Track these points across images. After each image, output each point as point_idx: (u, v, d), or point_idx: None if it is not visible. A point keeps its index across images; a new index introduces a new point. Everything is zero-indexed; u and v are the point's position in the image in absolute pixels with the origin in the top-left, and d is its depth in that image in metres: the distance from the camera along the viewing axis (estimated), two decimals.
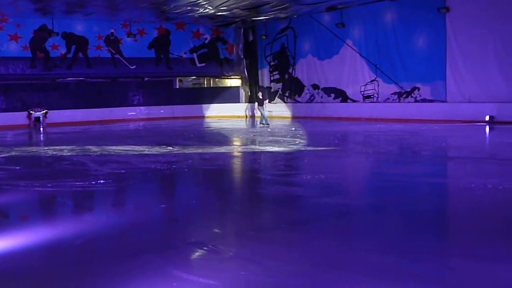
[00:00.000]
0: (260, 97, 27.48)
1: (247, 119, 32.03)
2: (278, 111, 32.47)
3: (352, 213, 7.96)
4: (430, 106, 24.99)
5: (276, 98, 33.81)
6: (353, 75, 28.63)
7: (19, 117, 29.72)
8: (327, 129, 23.17)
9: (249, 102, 35.35)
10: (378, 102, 27.50)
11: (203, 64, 35.56)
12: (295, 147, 16.61)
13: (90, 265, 5.71)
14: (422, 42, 25.15)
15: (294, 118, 30.28)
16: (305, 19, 30.86)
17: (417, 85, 25.51)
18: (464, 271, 5.19)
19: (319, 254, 5.77)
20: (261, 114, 26.97)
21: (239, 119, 32.11)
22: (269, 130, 23.58)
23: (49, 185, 10.76)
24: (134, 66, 33.56)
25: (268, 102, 29.38)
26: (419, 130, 21.13)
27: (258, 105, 27.52)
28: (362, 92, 28.22)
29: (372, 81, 27.68)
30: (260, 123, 26.56)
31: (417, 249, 5.85)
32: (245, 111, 34.26)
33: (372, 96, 27.80)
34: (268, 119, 26.84)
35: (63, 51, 31.77)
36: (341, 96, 29.48)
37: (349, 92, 29.03)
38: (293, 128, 23.69)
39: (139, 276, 5.19)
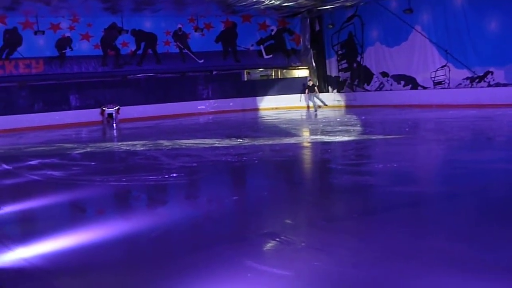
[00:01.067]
0: (310, 85, 30.42)
1: (311, 109, 31.99)
2: (347, 100, 32.20)
3: (425, 202, 7.82)
4: (504, 90, 24.20)
5: (345, 87, 33.52)
6: (423, 61, 28.03)
7: (92, 114, 30.49)
8: (397, 117, 22.81)
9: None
10: (449, 88, 26.84)
11: (270, 56, 35.57)
12: (365, 136, 16.43)
13: (165, 257, 5.80)
14: (494, 24, 24.37)
15: (364, 106, 29.91)
16: (372, 6, 30.40)
17: (490, 69, 24.77)
18: None
19: (390, 243, 5.70)
20: (313, 102, 30.07)
21: (302, 110, 31.95)
22: (338, 119, 23.41)
23: (124, 179, 10.99)
24: (202, 60, 33.88)
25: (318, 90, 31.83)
26: (493, 115, 20.53)
27: (310, 92, 30.57)
28: (433, 78, 27.61)
29: (442, 66, 27.03)
30: (315, 111, 28.96)
31: (491, 238, 5.69)
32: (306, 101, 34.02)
33: (443, 82, 27.17)
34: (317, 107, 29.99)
35: (133, 48, 32.38)
36: (411, 83, 28.93)
37: (419, 79, 28.45)
38: (363, 117, 23.42)
39: (214, 267, 5.24)
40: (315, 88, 31.00)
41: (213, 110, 33.84)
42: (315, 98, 30.74)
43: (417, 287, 4.56)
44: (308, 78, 32.30)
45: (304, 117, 27.30)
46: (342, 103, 32.60)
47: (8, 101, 29.52)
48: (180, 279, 5.00)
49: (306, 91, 31.80)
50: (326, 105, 29.62)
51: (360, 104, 30.98)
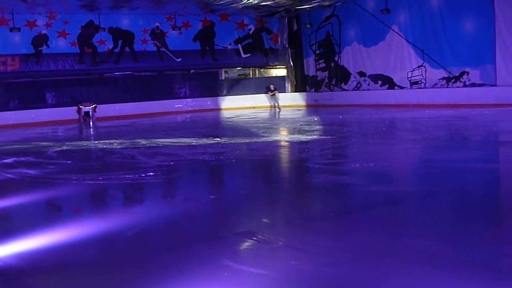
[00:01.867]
0: (272, 88, 32.90)
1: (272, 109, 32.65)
2: (325, 99, 32.34)
3: (402, 201, 7.88)
4: (479, 90, 24.48)
5: (322, 86, 33.66)
6: (400, 61, 28.24)
7: (69, 112, 30.30)
8: (374, 116, 22.96)
9: (294, 92, 35.42)
10: (426, 87, 27.08)
11: (248, 55, 35.60)
12: (342, 135, 16.51)
13: (142, 256, 5.79)
14: (470, 25, 24.63)
15: (341, 106, 30.07)
16: (350, 6, 30.55)
17: (466, 70, 25.04)
18: None
19: (369, 242, 5.73)
20: (274, 102, 32.64)
21: (268, 109, 32.05)
22: (315, 119, 23.50)
23: (100, 178, 10.94)
24: (180, 59, 33.81)
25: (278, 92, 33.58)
26: (469, 115, 20.75)
27: (270, 95, 32.95)
28: (410, 78, 27.84)
29: (419, 66, 27.26)
30: (276, 110, 31.52)
31: (469, 236, 5.76)
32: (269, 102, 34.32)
33: (419, 82, 27.40)
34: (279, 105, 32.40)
35: (110, 46, 32.22)
36: (388, 82, 29.14)
37: (396, 79, 28.66)
38: (340, 116, 23.54)
39: (190, 266, 5.24)
40: (275, 91, 33.04)
41: (190, 109, 33.81)
42: (275, 98, 32.79)
43: (394, 286, 4.60)
44: (271, 83, 33.80)
45: (282, 116, 27.33)
46: (319, 103, 32.71)
47: None
48: (156, 278, 4.99)
49: (269, 93, 33.24)
50: (280, 109, 32.03)
51: (337, 104, 31.14)
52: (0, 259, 5.83)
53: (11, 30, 29.17)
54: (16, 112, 29.59)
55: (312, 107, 32.09)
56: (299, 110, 30.57)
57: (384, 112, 24.85)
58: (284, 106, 32.85)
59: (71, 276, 5.29)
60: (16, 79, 29.94)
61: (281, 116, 27.19)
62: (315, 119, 23.56)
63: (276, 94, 32.82)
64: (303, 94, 34.75)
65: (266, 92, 33.76)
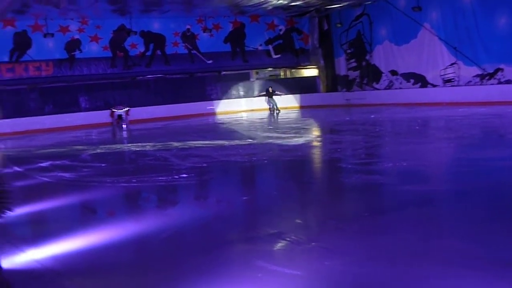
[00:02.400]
0: (271, 90, 32.57)
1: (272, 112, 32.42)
2: (356, 99, 32.16)
3: (435, 201, 7.80)
4: None
5: (354, 86, 33.50)
6: (432, 59, 27.94)
7: (102, 116, 30.58)
8: (407, 115, 22.76)
9: (326, 91, 35.30)
10: (459, 85, 26.73)
11: (279, 56, 35.59)
12: (374, 134, 16.41)
13: (176, 258, 5.82)
14: (503, 21, 24.24)
15: (373, 105, 29.86)
16: (380, 5, 30.35)
17: (501, 66, 24.64)
18: None
19: (402, 242, 5.69)
20: (272, 104, 32.31)
21: (314, 109, 31.91)
22: (347, 119, 23.38)
23: (134, 180, 11.02)
24: (210, 61, 33.93)
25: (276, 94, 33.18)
26: (504, 112, 20.43)
27: (269, 97, 32.53)
28: (442, 76, 27.53)
29: (452, 64, 26.94)
30: (275, 112, 31.51)
31: (503, 236, 5.67)
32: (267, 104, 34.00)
33: (452, 80, 27.07)
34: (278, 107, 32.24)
35: (142, 49, 32.48)
36: (421, 81, 28.86)
37: (428, 77, 28.38)
38: (372, 116, 23.39)
39: (224, 267, 5.26)
40: (274, 93, 32.84)
41: (222, 111, 33.86)
42: (273, 101, 32.61)
43: (427, 286, 4.56)
44: (269, 86, 33.60)
45: (313, 116, 27.25)
46: (351, 102, 32.53)
47: (19, 103, 29.70)
48: (190, 280, 5.01)
49: (267, 96, 33.10)
50: (279, 110, 31.99)
51: (369, 103, 30.90)
52: (37, 261, 5.92)
53: (45, 35, 29.59)
54: (50, 117, 29.98)
55: (343, 107, 31.92)
56: (331, 110, 30.41)
57: (417, 110, 24.60)
58: (316, 107, 32.75)
59: (106, 278, 5.34)
60: (50, 84, 30.38)
61: (312, 116, 27.11)
62: (347, 118, 23.44)
63: (274, 96, 32.66)
64: (335, 93, 34.60)
65: (265, 95, 33.54)
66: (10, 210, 1.29)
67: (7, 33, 29.03)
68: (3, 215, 1.27)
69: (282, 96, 33.61)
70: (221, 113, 33.12)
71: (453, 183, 9.04)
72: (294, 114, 29.28)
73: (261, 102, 34.00)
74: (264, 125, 23.63)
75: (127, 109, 30.40)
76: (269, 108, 32.83)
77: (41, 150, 18.78)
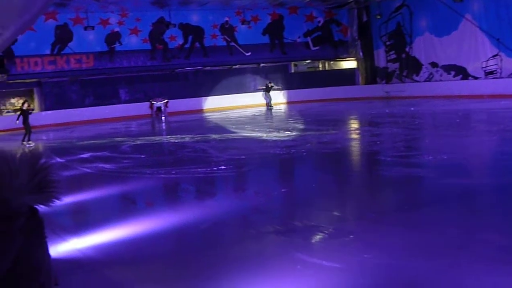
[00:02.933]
0: (269, 86, 32.35)
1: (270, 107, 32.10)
2: (396, 91, 31.83)
3: (477, 194, 7.70)
4: None
5: (393, 78, 33.17)
6: (474, 50, 27.49)
7: (141, 108, 30.86)
8: (447, 107, 22.45)
9: (365, 84, 35.03)
10: (501, 77, 26.26)
11: (317, 48, 35.42)
12: (414, 127, 16.23)
13: (215, 249, 5.85)
14: None
15: (412, 98, 29.50)
16: None
17: None
18: None
19: (442, 236, 5.62)
20: (268, 99, 31.93)
21: (353, 101, 31.67)
22: (386, 111, 23.18)
23: (173, 172, 11.11)
24: (249, 53, 33.93)
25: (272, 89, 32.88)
26: None
27: (266, 92, 32.31)
28: (484, 68, 27.07)
29: (494, 56, 26.47)
30: (269, 108, 31.15)
31: None
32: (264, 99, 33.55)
33: (494, 72, 26.60)
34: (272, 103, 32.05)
35: (181, 41, 32.64)
36: (462, 73, 28.43)
37: (469, 69, 27.94)
38: (412, 108, 23.14)
39: (263, 259, 5.27)
40: (271, 88, 32.64)
41: (260, 103, 33.82)
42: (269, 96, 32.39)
43: (468, 279, 4.50)
44: (268, 81, 33.29)
45: (350, 108, 27.06)
46: (391, 94, 32.22)
47: (60, 95, 30.12)
48: (229, 271, 5.03)
49: (265, 91, 32.79)
50: (272, 106, 31.82)
51: (409, 95, 30.53)
52: (79, 250, 6.02)
53: (85, 28, 29.94)
54: (91, 108, 30.38)
55: (382, 99, 31.63)
56: (370, 102, 30.16)
57: (458, 103, 24.25)
58: (354, 99, 32.50)
59: (145, 268, 5.40)
60: (91, 76, 30.74)
61: (350, 109, 26.94)
62: (386, 111, 23.24)
63: (271, 91, 32.53)
64: (373, 86, 34.31)
65: (264, 90, 33.11)
66: (58, 199, 1.31)
67: (49, 26, 29.43)
68: (51, 204, 1.29)
69: (280, 89, 33.94)
70: (260, 105, 33.08)
71: (494, 177, 8.90)
72: (332, 106, 29.11)
73: (300, 94, 33.86)
74: (301, 118, 23.55)
75: (166, 101, 30.66)
76: (266, 104, 32.47)
77: (82, 141, 19.05)
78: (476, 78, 27.60)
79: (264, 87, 32.93)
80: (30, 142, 19.01)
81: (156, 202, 9.12)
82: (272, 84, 32.83)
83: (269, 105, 31.91)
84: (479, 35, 27.09)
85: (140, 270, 5.35)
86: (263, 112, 28.48)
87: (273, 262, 5.15)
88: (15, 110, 29.87)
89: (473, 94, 26.62)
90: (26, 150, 1.33)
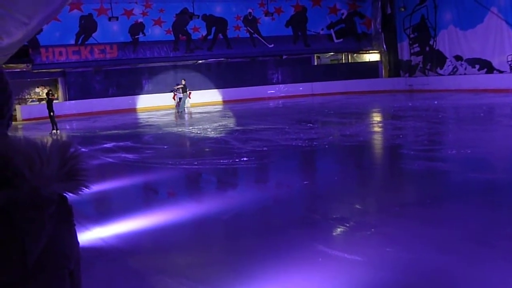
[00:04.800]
0: (183, 83, 28.04)
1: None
2: (419, 84, 31.63)
3: (499, 189, 7.64)
4: None
5: (417, 71, 32.94)
6: (499, 44, 27.18)
7: (164, 98, 30.98)
8: (471, 101, 22.25)
9: (388, 77, 34.85)
10: None
11: (341, 40, 35.25)
12: (437, 121, 16.13)
13: (236, 240, 5.89)
14: None
15: (436, 91, 29.29)
16: None
17: None
18: None
19: (465, 230, 5.61)
20: (180, 101, 27.57)
21: (376, 94, 31.50)
22: (409, 104, 23.03)
23: (195, 163, 11.15)
24: (272, 45, 33.88)
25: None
26: None
27: (183, 92, 27.81)
28: (510, 62, 26.77)
29: None
30: (179, 111, 26.99)
31: None
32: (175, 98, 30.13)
33: None
34: (184, 107, 27.62)
35: (204, 33, 32.67)
36: (487, 67, 28.13)
37: (495, 63, 27.63)
38: (435, 102, 22.97)
39: (284, 251, 5.28)
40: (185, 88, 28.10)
41: (282, 95, 33.81)
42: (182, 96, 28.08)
43: (490, 274, 4.48)
44: (183, 78, 29.16)
45: (375, 101, 26.92)
46: (413, 88, 32.00)
47: (84, 85, 30.36)
48: (249, 262, 5.06)
49: (180, 90, 28.36)
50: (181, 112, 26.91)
51: (432, 89, 30.31)
52: (102, 239, 6.08)
53: (109, 19, 30.07)
54: (114, 99, 30.57)
55: (406, 92, 31.44)
56: (393, 95, 29.99)
57: (482, 97, 24.01)
58: (378, 92, 32.30)
59: (167, 258, 5.45)
60: (114, 66, 30.92)
61: (373, 102, 26.81)
62: (409, 104, 23.10)
63: (188, 92, 28.16)
64: (397, 79, 34.10)
65: (174, 90, 29.22)
66: (87, 187, 1.34)
67: (74, 17, 29.62)
68: (80, 192, 1.32)
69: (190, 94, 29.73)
70: (282, 98, 33.06)
71: None
72: (354, 99, 28.99)
73: (323, 87, 33.75)
74: (324, 110, 23.50)
75: (189, 92, 30.71)
76: (176, 108, 28.66)
77: (105, 131, 19.19)
78: (501, 72, 27.30)
79: (181, 85, 28.25)
80: (57, 131, 19.26)
81: (178, 193, 9.18)
82: (185, 83, 28.29)
83: (179, 110, 27.41)
84: (505, 28, 26.78)
85: (161, 260, 5.39)
86: (286, 104, 28.40)
87: (294, 254, 5.17)
88: (39, 100, 30.23)
89: (498, 88, 26.33)
90: (56, 138, 1.35)
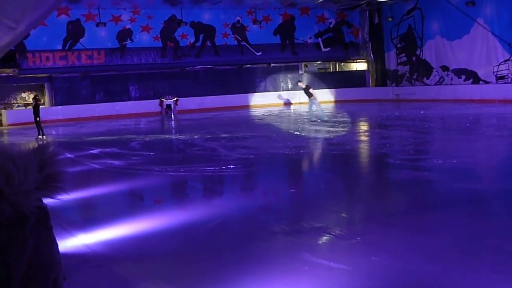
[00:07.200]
0: (303, 86, 22.30)
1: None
2: (406, 94, 31.76)
3: (485, 199, 7.68)
4: None
5: (403, 81, 33.09)
6: (485, 55, 27.38)
7: (151, 105, 30.93)
8: (457, 111, 22.38)
9: (375, 86, 34.97)
10: None
11: (328, 49, 35.38)
12: (424, 130, 16.19)
13: (222, 248, 5.86)
14: None
15: (423, 101, 29.42)
16: None
17: None
18: None
19: (451, 241, 5.62)
20: (312, 109, 21.32)
21: (366, 103, 31.57)
22: (396, 114, 23.11)
23: (182, 170, 11.13)
24: (260, 53, 33.94)
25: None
26: None
27: (307, 95, 21.47)
28: (495, 73, 26.96)
29: (506, 60, 26.35)
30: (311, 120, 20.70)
31: None
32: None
33: (506, 77, 26.49)
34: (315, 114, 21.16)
35: (192, 40, 32.68)
36: (473, 77, 28.32)
37: (481, 73, 27.82)
38: (422, 111, 23.07)
39: (270, 259, 5.27)
40: (313, 93, 21.48)
41: (270, 103, 33.83)
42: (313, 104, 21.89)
43: (475, 283, 4.49)
44: (301, 80, 26.66)
45: (361, 110, 26.99)
46: (401, 97, 32.12)
47: (71, 91, 30.24)
48: (236, 270, 5.04)
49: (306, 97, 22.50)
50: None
51: (419, 98, 30.44)
52: (86, 245, 6.04)
53: (97, 25, 30.02)
54: (101, 105, 30.48)
55: (392, 102, 31.56)
56: (380, 104, 30.09)
57: (468, 107, 24.16)
58: (364, 101, 32.39)
59: (152, 265, 5.42)
60: (101, 72, 30.83)
61: (360, 111, 26.88)
62: (396, 114, 23.18)
63: (314, 96, 21.36)
64: (384, 88, 34.22)
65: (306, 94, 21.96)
66: (65, 191, 1.32)
67: (61, 22, 29.52)
68: (58, 196, 1.30)
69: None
70: (270, 105, 33.07)
71: (504, 182, 8.85)
72: (341, 108, 29.05)
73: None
74: (310, 118, 23.55)
75: (176, 99, 30.73)
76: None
77: (92, 137, 19.11)
78: (487, 82, 27.49)
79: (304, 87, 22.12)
80: (43, 137, 19.16)
81: (164, 200, 9.14)
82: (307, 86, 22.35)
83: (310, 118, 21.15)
84: (491, 39, 26.99)
85: (147, 267, 5.36)
86: (273, 112, 28.43)
87: (280, 263, 5.16)
88: (25, 105, 30.04)
89: (483, 99, 26.53)
90: (35, 143, 1.33)
